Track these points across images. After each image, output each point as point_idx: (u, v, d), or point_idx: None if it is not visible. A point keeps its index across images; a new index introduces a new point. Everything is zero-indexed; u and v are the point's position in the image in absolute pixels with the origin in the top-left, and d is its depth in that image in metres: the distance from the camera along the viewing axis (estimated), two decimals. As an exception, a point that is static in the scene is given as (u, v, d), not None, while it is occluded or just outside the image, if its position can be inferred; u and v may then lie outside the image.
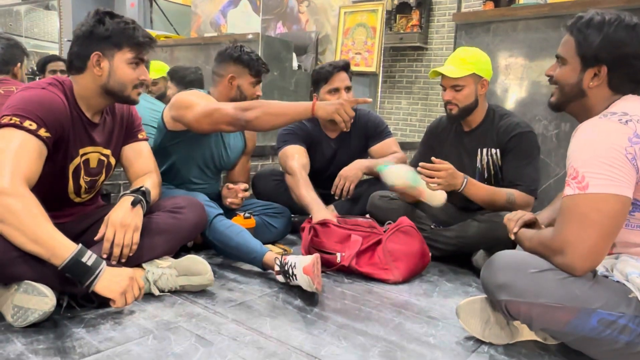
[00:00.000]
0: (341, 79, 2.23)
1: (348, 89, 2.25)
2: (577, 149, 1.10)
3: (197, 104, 1.75)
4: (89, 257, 1.21)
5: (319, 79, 2.26)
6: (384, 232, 1.81)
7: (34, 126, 1.25)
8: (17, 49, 2.34)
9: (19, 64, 2.34)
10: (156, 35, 4.61)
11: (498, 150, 1.92)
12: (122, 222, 1.37)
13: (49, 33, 6.43)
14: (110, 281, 1.24)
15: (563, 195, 1.11)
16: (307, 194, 2.08)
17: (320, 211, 1.98)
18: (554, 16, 2.26)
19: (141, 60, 1.45)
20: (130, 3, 5.86)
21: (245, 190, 1.99)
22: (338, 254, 1.77)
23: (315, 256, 1.50)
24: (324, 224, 1.87)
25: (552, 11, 2.28)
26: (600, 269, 1.12)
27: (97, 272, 1.22)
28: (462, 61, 1.89)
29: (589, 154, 1.06)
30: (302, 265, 1.46)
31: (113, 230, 1.36)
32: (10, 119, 1.23)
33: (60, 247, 1.18)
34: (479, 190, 1.83)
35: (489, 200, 1.83)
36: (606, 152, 1.04)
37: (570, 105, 1.25)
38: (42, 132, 1.26)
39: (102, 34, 1.38)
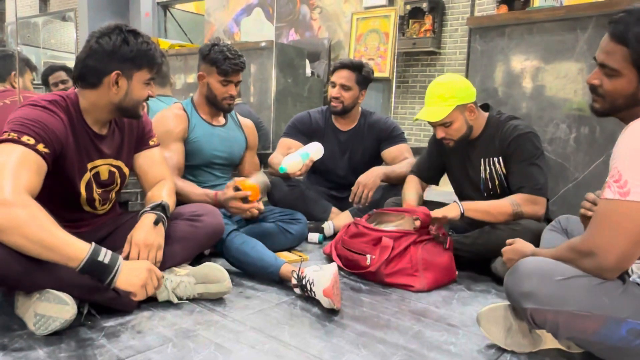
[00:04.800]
0: (339, 76, 2.40)
1: (343, 86, 2.40)
2: (625, 152, 1.04)
3: None
4: (105, 255, 1.21)
5: (331, 70, 2.53)
6: (426, 227, 1.77)
7: (32, 141, 1.23)
8: (8, 59, 2.43)
9: (12, 74, 2.40)
10: (170, 44, 4.67)
11: (501, 157, 1.88)
12: (145, 242, 1.38)
13: (65, 44, 6.55)
14: (130, 275, 1.24)
15: (601, 197, 1.06)
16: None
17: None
18: (570, 19, 2.23)
19: (153, 79, 1.46)
20: (145, 12, 5.95)
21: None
22: (368, 256, 1.76)
23: (334, 275, 1.46)
24: (356, 224, 1.87)
25: (568, 14, 2.25)
26: (634, 276, 1.09)
27: (116, 268, 1.22)
28: (441, 98, 1.83)
29: (636, 159, 1.01)
30: (322, 288, 1.43)
31: (137, 250, 1.37)
32: (9, 135, 1.23)
33: (74, 250, 1.17)
34: (477, 206, 1.82)
35: (492, 212, 1.79)
36: None
37: (621, 113, 1.16)
38: (41, 147, 1.25)
39: (126, 54, 1.37)
